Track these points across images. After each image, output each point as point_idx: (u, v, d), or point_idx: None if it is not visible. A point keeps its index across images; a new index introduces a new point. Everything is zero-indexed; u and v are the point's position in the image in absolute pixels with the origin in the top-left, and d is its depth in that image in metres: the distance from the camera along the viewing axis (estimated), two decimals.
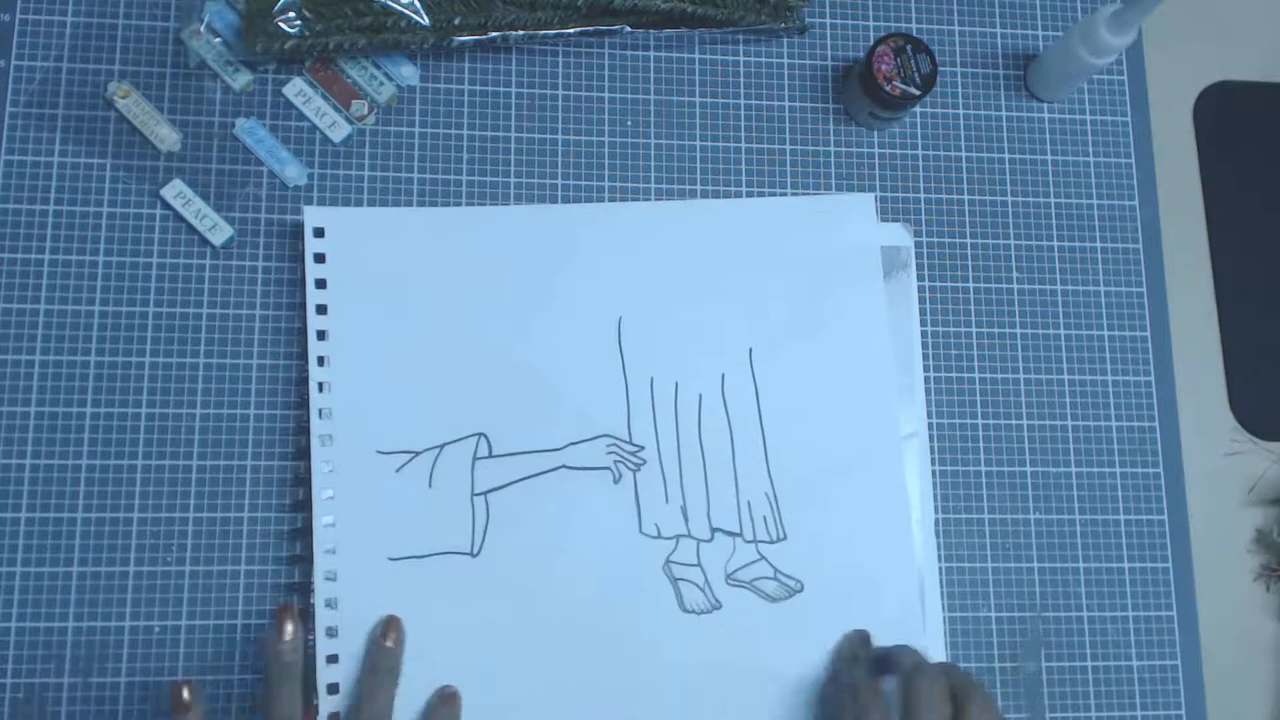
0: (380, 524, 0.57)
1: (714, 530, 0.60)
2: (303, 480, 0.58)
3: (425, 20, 0.60)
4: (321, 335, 0.59)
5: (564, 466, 0.59)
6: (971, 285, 0.65)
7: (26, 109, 0.60)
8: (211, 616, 0.57)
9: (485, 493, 0.58)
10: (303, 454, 0.59)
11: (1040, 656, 0.62)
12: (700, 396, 0.61)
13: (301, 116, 0.62)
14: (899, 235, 0.65)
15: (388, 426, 0.58)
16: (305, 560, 0.57)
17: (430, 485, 0.58)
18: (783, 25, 0.65)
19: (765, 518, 0.60)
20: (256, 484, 0.58)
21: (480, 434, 0.59)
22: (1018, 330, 0.65)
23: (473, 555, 0.57)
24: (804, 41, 0.67)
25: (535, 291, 0.61)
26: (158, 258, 0.60)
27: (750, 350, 0.62)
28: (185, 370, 0.59)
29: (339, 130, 0.62)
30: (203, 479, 0.58)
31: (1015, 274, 0.66)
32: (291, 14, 0.60)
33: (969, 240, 0.66)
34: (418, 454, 0.58)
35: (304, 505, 0.58)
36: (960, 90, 0.68)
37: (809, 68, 0.67)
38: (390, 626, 0.55)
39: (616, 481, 0.59)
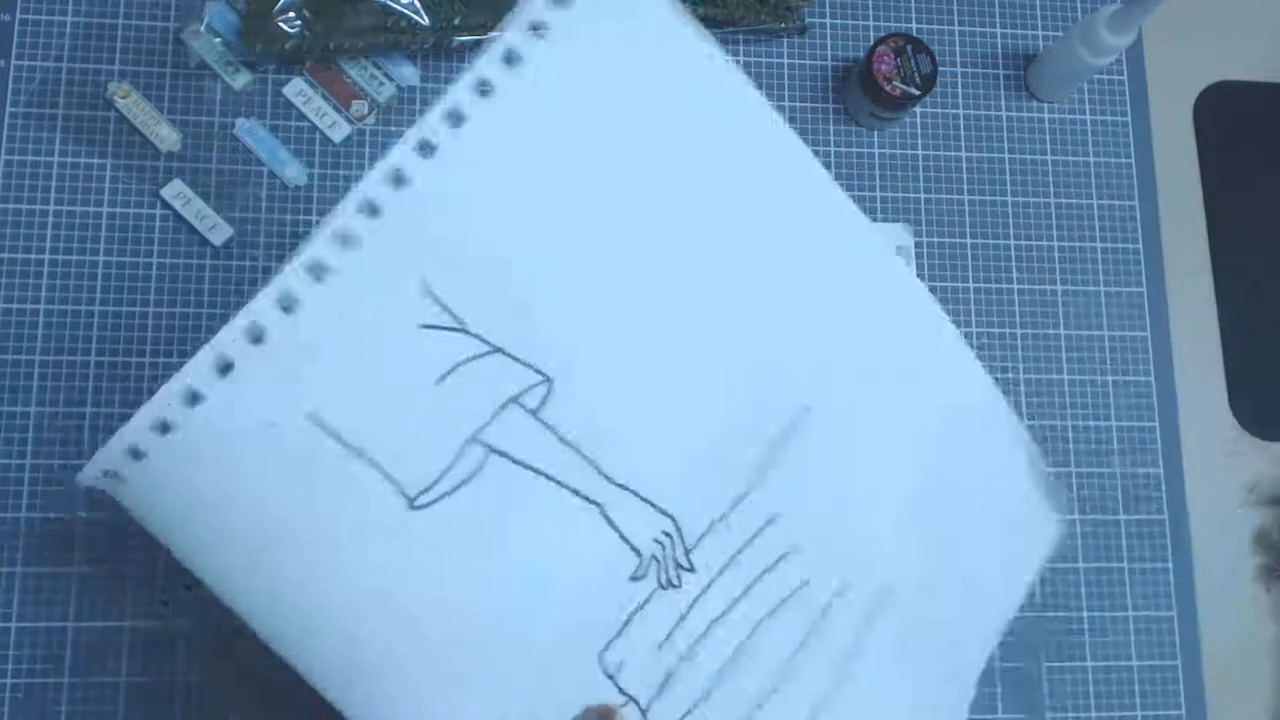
0: (330, 369, 0.37)
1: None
2: None
3: (425, 20, 0.60)
4: None
5: (599, 506, 0.41)
6: (971, 285, 0.65)
7: (26, 109, 0.60)
8: (211, 616, 0.57)
9: (490, 448, 0.39)
10: None
11: (1040, 656, 0.62)
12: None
13: (301, 116, 0.62)
14: (899, 235, 0.65)
15: (461, 277, 0.39)
16: None
17: (438, 383, 0.39)
18: (783, 25, 0.65)
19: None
20: None
21: (549, 380, 0.40)
22: (1018, 330, 0.65)
23: (410, 502, 0.38)
24: (804, 41, 0.67)
25: None
26: (158, 258, 0.60)
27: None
28: None
29: (339, 130, 0.62)
30: None
31: (1015, 274, 0.66)
32: (291, 14, 0.60)
33: (969, 240, 0.66)
34: (466, 333, 0.39)
35: None
36: (960, 90, 0.68)
37: (809, 68, 0.67)
38: None
39: (634, 578, 0.42)
